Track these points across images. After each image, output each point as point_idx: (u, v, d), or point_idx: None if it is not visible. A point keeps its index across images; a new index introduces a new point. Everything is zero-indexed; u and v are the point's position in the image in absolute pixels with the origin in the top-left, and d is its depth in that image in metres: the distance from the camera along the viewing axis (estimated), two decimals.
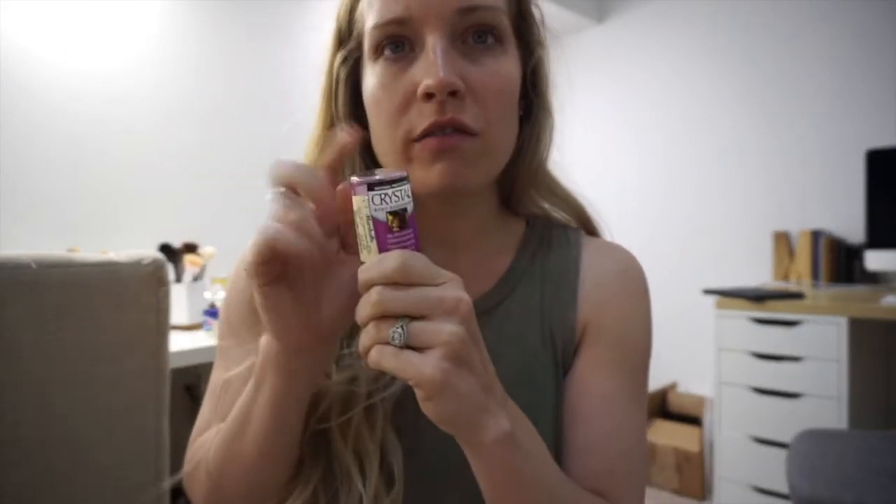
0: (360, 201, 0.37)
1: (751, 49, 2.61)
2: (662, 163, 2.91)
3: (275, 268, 0.38)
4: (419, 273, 0.36)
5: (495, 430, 0.38)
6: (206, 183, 2.22)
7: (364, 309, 0.36)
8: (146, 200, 2.05)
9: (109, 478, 0.79)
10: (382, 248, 0.37)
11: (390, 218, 0.37)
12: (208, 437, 0.54)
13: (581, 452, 0.52)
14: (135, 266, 0.80)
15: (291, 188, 0.39)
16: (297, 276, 0.39)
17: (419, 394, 0.36)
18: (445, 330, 0.35)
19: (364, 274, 0.37)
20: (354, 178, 0.37)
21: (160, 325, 0.83)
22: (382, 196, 0.36)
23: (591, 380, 0.54)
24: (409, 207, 0.38)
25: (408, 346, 0.35)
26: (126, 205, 2.00)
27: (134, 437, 0.82)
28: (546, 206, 0.62)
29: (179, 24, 2.15)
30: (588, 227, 0.63)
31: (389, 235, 0.37)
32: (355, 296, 0.38)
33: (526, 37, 0.54)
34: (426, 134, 0.47)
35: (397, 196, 0.37)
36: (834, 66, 2.39)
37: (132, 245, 1.87)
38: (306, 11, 2.50)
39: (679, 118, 2.85)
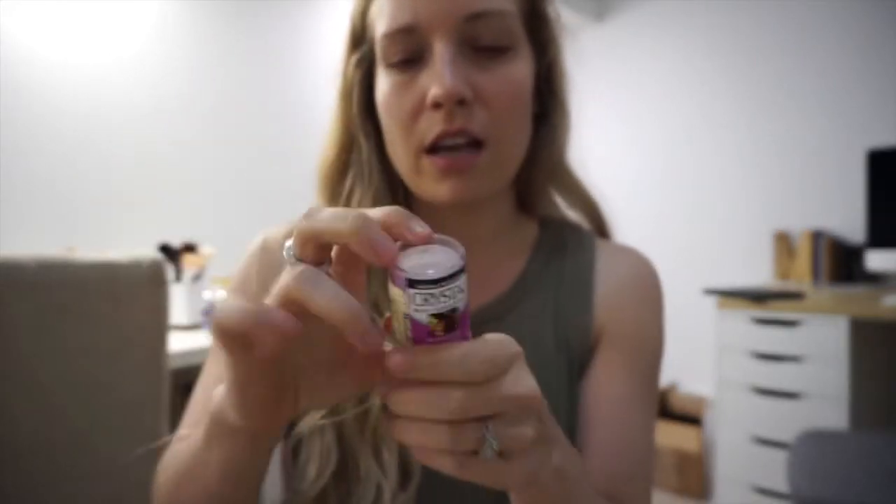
0: (397, 293, 0.29)
1: (751, 48, 2.61)
2: (662, 163, 2.91)
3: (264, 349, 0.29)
4: (501, 366, 0.30)
5: (549, 471, 0.35)
6: (206, 183, 2.22)
7: (438, 411, 0.29)
8: (146, 200, 2.05)
9: (109, 477, 0.79)
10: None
11: (434, 322, 0.29)
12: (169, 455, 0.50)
13: (597, 456, 0.52)
14: (134, 266, 0.80)
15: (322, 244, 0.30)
16: (286, 355, 0.31)
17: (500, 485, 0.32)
18: (531, 431, 0.31)
19: (436, 372, 0.29)
20: (400, 267, 0.29)
21: (160, 325, 0.83)
22: (426, 297, 0.28)
23: (606, 384, 0.54)
24: (461, 305, 0.29)
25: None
26: (126, 205, 2.00)
27: (133, 437, 0.82)
28: (560, 201, 0.62)
29: (179, 24, 2.15)
30: (599, 225, 0.63)
31: (430, 339, 0.29)
32: (337, 369, 0.33)
33: (539, 35, 0.53)
34: (436, 144, 0.47)
35: (446, 296, 0.28)
36: (834, 66, 2.38)
37: (132, 245, 1.87)
38: (306, 10, 2.50)
39: (679, 118, 2.85)
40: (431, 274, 0.28)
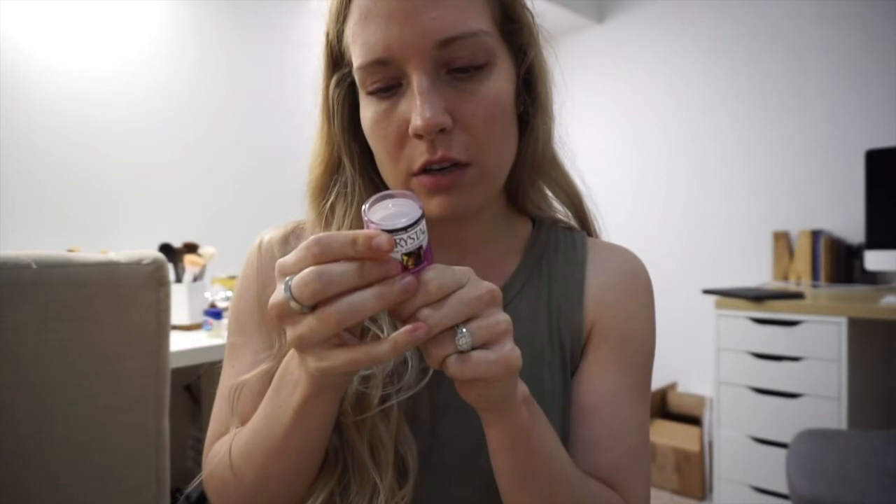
0: None
1: (751, 49, 2.61)
2: (662, 163, 2.91)
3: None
4: (451, 284, 0.37)
5: (521, 390, 0.43)
6: (207, 183, 2.22)
7: (420, 332, 0.37)
8: (146, 200, 2.05)
9: (109, 478, 0.79)
10: None
11: (406, 258, 0.36)
12: (228, 438, 0.54)
13: (589, 448, 0.53)
14: (135, 266, 0.80)
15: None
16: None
17: (487, 382, 0.38)
18: (500, 320, 0.38)
19: (410, 305, 0.37)
20: (372, 220, 0.37)
21: (160, 325, 0.83)
22: (399, 241, 0.36)
23: (597, 378, 0.55)
24: (425, 243, 0.37)
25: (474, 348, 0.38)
26: (126, 205, 2.00)
27: (134, 437, 0.82)
28: (548, 192, 0.63)
29: (180, 25, 2.15)
30: (582, 218, 0.64)
31: (405, 272, 0.37)
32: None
33: (517, 40, 0.53)
34: (422, 169, 0.48)
35: (413, 238, 0.36)
36: (834, 66, 2.39)
37: (132, 245, 1.87)
38: (307, 11, 2.50)
39: (679, 118, 2.85)
40: (403, 222, 0.36)
